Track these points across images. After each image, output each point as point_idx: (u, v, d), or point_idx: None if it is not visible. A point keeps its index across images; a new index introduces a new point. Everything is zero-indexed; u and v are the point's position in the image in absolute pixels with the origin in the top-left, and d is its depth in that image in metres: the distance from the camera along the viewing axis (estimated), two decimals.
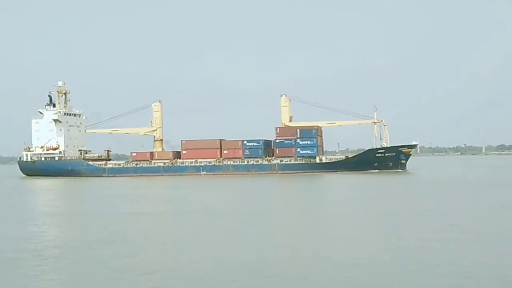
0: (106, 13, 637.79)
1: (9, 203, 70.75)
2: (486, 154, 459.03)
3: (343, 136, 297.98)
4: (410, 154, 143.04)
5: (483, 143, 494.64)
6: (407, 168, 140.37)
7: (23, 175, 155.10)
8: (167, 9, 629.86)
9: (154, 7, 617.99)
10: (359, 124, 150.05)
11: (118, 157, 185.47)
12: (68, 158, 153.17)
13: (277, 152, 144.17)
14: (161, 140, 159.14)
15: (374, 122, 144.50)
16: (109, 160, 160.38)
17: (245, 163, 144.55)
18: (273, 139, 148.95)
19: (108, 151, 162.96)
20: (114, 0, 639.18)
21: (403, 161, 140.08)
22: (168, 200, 70.65)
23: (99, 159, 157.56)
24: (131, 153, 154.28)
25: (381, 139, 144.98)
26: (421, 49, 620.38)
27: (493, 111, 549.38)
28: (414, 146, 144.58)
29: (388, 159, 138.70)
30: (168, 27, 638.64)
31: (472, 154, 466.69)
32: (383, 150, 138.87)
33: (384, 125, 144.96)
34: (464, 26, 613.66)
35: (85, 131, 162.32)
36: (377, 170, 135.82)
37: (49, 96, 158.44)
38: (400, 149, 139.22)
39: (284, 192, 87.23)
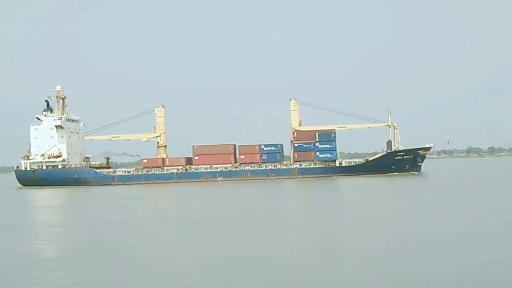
0: (107, 14, 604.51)
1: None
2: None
3: (351, 139, 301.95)
4: (425, 157, 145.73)
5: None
6: (422, 170, 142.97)
7: (20, 185, 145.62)
8: (171, 10, 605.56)
9: (158, 7, 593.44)
10: (369, 127, 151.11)
11: (116, 165, 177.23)
12: (73, 166, 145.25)
13: (296, 156, 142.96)
14: (165, 146, 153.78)
15: (388, 126, 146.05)
16: (109, 167, 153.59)
17: (263, 168, 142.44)
18: (284, 143, 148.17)
19: (107, 158, 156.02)
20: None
21: (419, 164, 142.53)
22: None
23: (102, 166, 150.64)
24: (142, 159, 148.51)
25: (390, 142, 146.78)
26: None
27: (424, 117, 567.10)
28: (429, 149, 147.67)
29: (405, 162, 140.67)
30: (172, 28, 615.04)
31: None
32: (402, 153, 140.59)
33: (395, 129, 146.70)
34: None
35: (83, 137, 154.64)
36: (396, 173, 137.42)
37: (47, 101, 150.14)
38: (418, 151, 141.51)
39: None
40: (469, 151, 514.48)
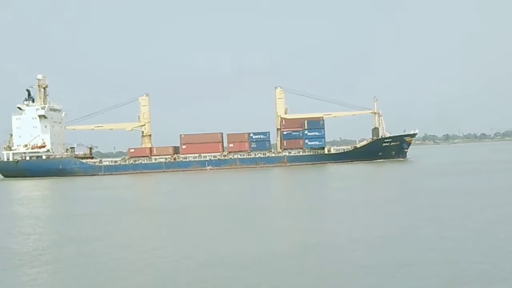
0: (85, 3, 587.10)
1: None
2: None
3: (337, 127, 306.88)
4: (411, 143, 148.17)
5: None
6: (407, 157, 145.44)
7: (2, 176, 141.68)
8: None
9: None
10: (353, 115, 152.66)
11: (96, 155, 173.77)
12: (57, 156, 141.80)
13: (285, 144, 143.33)
14: (150, 135, 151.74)
15: (374, 113, 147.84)
16: (92, 158, 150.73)
17: (253, 156, 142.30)
18: (270, 131, 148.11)
19: (91, 148, 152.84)
20: None
21: (405, 150, 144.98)
22: None
23: (86, 156, 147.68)
24: (129, 149, 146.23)
25: (376, 129, 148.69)
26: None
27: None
28: (414, 135, 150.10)
29: (392, 148, 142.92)
30: (157, 15, 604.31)
31: None
32: (389, 140, 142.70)
33: (380, 116, 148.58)
34: None
35: (65, 127, 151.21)
36: (383, 160, 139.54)
37: (28, 90, 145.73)
38: (404, 138, 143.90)
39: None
40: (425, 138, 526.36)
